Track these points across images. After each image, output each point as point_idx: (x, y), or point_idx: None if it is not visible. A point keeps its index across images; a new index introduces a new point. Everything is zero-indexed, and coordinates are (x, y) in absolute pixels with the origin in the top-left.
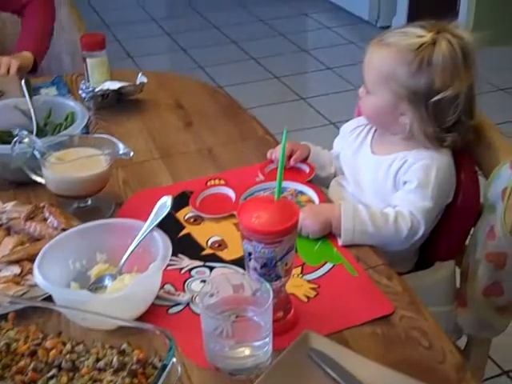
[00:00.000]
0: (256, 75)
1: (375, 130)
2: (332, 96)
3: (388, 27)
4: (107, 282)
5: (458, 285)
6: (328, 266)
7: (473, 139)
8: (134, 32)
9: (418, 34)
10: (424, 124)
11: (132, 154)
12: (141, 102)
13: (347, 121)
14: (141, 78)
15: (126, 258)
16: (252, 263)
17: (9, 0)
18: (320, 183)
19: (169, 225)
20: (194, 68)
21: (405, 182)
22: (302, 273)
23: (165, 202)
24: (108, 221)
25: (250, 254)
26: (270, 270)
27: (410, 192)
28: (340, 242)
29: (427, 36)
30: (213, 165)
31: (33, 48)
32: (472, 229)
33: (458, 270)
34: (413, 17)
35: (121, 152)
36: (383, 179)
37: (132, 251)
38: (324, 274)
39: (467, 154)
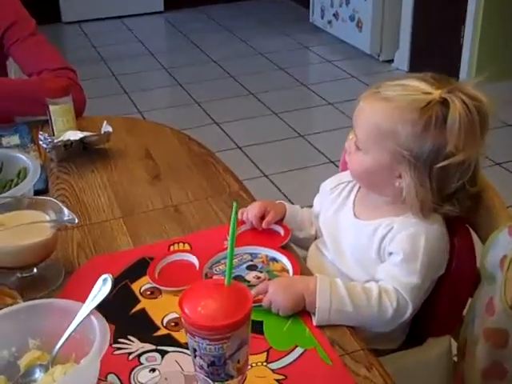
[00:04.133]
0: (254, 111)
1: (359, 189)
2: (333, 133)
3: (391, 61)
4: (37, 374)
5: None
6: (298, 351)
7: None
8: (130, 66)
9: (424, 91)
10: (423, 190)
11: (76, 221)
12: (108, 151)
13: None
14: (106, 127)
15: (60, 347)
16: (198, 360)
17: None
18: (298, 245)
19: (123, 298)
20: (191, 103)
21: (390, 253)
22: (266, 361)
23: (105, 281)
24: (43, 302)
25: (194, 350)
26: (218, 369)
27: (396, 266)
28: (314, 321)
29: (435, 93)
30: (178, 225)
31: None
32: (470, 299)
33: (454, 344)
34: (416, 50)
35: (65, 218)
36: (366, 247)
37: (67, 338)
38: (292, 362)
39: (461, 216)
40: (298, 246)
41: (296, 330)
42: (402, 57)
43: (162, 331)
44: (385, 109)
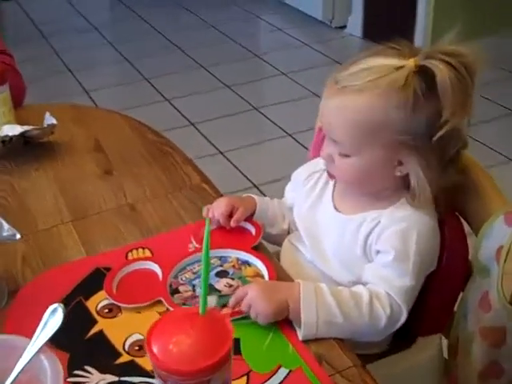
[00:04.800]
0: (205, 85)
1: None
2: (288, 104)
3: (344, 27)
4: None
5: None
6: (282, 372)
7: (459, 186)
8: (73, 43)
9: (395, 66)
10: (429, 169)
11: (18, 236)
12: (53, 145)
13: (306, 131)
14: (49, 119)
15: None
16: None
17: None
18: (270, 241)
19: (76, 319)
20: (140, 80)
21: (378, 251)
22: None
23: (55, 312)
24: None
25: None
26: None
27: (386, 266)
28: (300, 335)
29: (407, 64)
30: (135, 227)
31: None
32: (460, 293)
33: (444, 341)
34: (369, 15)
35: (4, 234)
36: (350, 245)
37: (14, 380)
38: None
39: (451, 204)
40: (269, 242)
41: (278, 347)
42: (355, 22)
43: (125, 357)
44: (363, 103)
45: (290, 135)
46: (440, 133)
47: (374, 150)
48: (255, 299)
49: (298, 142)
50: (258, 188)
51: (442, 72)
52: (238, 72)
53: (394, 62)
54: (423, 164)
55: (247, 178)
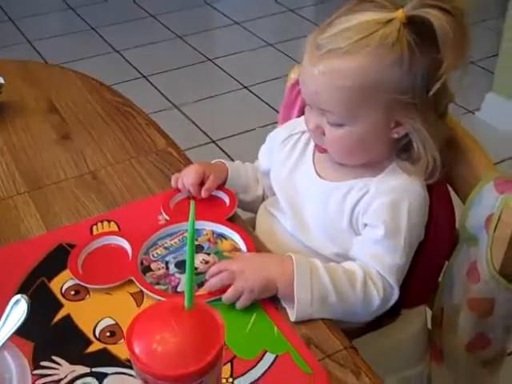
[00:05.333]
0: (155, 35)
1: None
2: (243, 55)
3: None
4: None
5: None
6: (268, 358)
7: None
8: None
9: (383, 20)
10: (429, 126)
11: None
12: (1, 107)
13: (262, 83)
14: None
15: None
16: None
17: None
18: (244, 208)
19: (40, 302)
20: (86, 29)
21: (365, 225)
22: (232, 375)
23: (17, 303)
24: None
25: None
26: None
27: (376, 243)
28: (292, 316)
29: (395, 17)
30: (99, 198)
31: None
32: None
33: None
34: None
35: None
36: (335, 215)
37: None
38: (264, 374)
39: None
40: (242, 209)
41: (262, 330)
42: None
43: (96, 345)
44: (353, 66)
45: (245, 87)
46: (437, 85)
47: (369, 116)
48: (239, 273)
49: (255, 94)
50: (215, 143)
51: (439, 19)
52: (189, 21)
53: (380, 16)
54: (423, 121)
55: (204, 133)
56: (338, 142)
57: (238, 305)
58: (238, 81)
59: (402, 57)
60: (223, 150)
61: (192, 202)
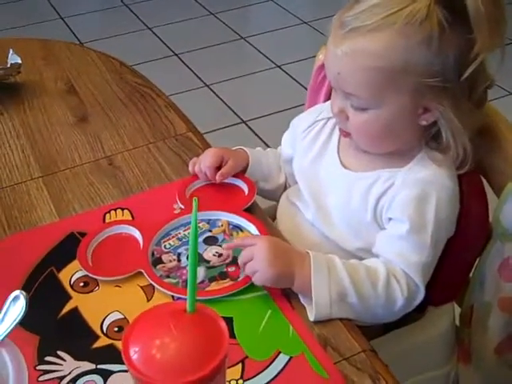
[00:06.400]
0: (188, 12)
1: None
2: (276, 33)
3: None
4: None
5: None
6: (282, 359)
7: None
8: None
9: None
10: (460, 110)
11: None
12: (19, 87)
13: (296, 63)
14: (13, 58)
15: None
16: None
17: None
18: (265, 196)
19: (48, 294)
20: (119, 5)
21: (390, 219)
22: (242, 377)
23: (16, 300)
24: None
25: None
26: None
27: (400, 239)
28: (311, 316)
29: None
30: (114, 184)
31: None
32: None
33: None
34: None
35: None
36: (359, 208)
37: None
38: (276, 377)
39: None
40: (264, 197)
41: (276, 329)
42: None
43: (103, 341)
44: (378, 45)
45: (278, 67)
46: (470, 69)
47: (396, 99)
48: (260, 254)
49: (288, 74)
50: (246, 123)
51: None
52: None
53: None
54: (454, 108)
55: (235, 113)
56: (362, 127)
57: (254, 279)
58: (270, 60)
59: (431, 36)
60: (253, 131)
61: (195, 200)
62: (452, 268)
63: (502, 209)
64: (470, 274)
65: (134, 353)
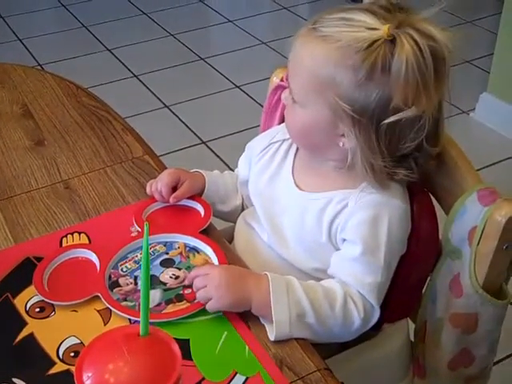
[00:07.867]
0: (147, 33)
1: (297, 150)
2: (236, 54)
3: None
4: None
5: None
6: (239, 380)
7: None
8: None
9: (369, 25)
10: (370, 153)
11: None
12: None
13: (255, 83)
14: None
15: None
16: None
17: None
18: (223, 218)
19: (3, 320)
20: (78, 27)
21: (344, 240)
22: None
23: None
24: None
25: None
26: None
27: (354, 260)
28: (271, 336)
29: (382, 29)
30: (70, 208)
31: None
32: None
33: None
34: None
35: None
36: (314, 228)
37: None
38: None
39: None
40: (221, 219)
41: (233, 349)
42: None
43: (59, 366)
44: (322, 51)
45: (238, 87)
46: (389, 119)
47: (319, 107)
48: (213, 282)
49: (247, 94)
50: (206, 144)
51: (402, 50)
52: (181, 19)
53: (372, 21)
54: (363, 144)
55: (194, 134)
56: (289, 118)
57: (207, 307)
58: (230, 80)
59: (361, 66)
60: (214, 152)
61: (146, 225)
62: (404, 285)
63: (450, 227)
64: (423, 291)
65: (87, 378)
